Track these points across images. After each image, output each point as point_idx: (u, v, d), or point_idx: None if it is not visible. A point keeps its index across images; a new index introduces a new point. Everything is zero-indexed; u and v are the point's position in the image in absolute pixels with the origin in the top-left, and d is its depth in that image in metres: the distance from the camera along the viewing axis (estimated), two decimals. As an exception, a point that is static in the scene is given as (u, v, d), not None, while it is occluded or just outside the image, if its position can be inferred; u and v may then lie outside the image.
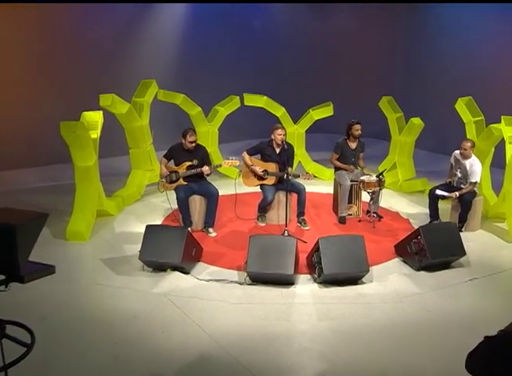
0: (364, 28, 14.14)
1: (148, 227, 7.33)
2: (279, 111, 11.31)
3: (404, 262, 7.62)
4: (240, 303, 6.55)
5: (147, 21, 12.27)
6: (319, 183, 11.21)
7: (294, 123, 11.50)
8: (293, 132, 11.43)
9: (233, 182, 9.02)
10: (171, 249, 7.07)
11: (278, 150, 8.80)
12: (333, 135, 12.84)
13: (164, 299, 6.65)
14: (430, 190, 8.80)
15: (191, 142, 8.49)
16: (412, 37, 13.38)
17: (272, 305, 6.50)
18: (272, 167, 8.77)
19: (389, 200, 10.11)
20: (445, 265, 7.42)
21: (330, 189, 9.97)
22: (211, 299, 6.64)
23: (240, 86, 11.88)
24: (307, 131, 11.69)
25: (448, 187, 8.75)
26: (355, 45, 14.18)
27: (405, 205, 10.14)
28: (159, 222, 9.11)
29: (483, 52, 11.61)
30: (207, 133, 11.40)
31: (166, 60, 12.59)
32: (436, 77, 12.68)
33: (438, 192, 8.57)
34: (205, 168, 8.50)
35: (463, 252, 7.32)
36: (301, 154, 11.54)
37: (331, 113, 11.30)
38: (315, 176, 11.32)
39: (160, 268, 7.28)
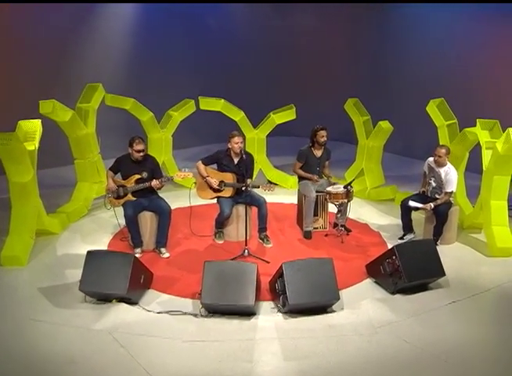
0: (327, 27, 13.44)
1: (89, 253, 6.48)
2: (238, 115, 10.51)
3: (377, 283, 6.90)
4: (194, 341, 5.73)
5: (94, 21, 11.41)
6: (282, 192, 10.46)
7: (254, 127, 10.70)
8: (253, 137, 10.64)
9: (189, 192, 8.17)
10: (116, 278, 6.24)
11: (236, 160, 8.00)
12: (296, 138, 12.17)
13: (107, 337, 5.80)
14: (403, 201, 8.10)
15: (139, 152, 7.63)
16: (377, 36, 12.73)
17: (230, 342, 5.70)
18: (229, 177, 7.97)
19: (357, 209, 9.40)
20: (423, 287, 6.71)
21: (294, 199, 9.21)
22: (161, 336, 5.81)
23: (196, 89, 11.10)
24: (268, 135, 10.89)
25: (422, 198, 8.07)
26: (318, 44, 13.47)
27: (375, 215, 9.44)
28: (107, 241, 8.32)
29: (454, 51, 11.05)
30: (159, 140, 10.55)
31: (114, 62, 11.73)
32: (404, 78, 12.08)
33: (411, 203, 7.87)
34: (154, 183, 7.66)
35: (442, 273, 6.64)
36: (261, 161, 10.77)
37: (293, 117, 10.54)
38: (276, 184, 10.59)
39: (104, 298, 6.42)
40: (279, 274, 6.12)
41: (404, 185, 10.62)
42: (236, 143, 7.84)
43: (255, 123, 10.76)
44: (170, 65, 12.29)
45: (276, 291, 6.20)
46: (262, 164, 10.79)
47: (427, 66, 11.45)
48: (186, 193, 8.33)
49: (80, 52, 11.15)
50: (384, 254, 6.74)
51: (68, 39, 10.90)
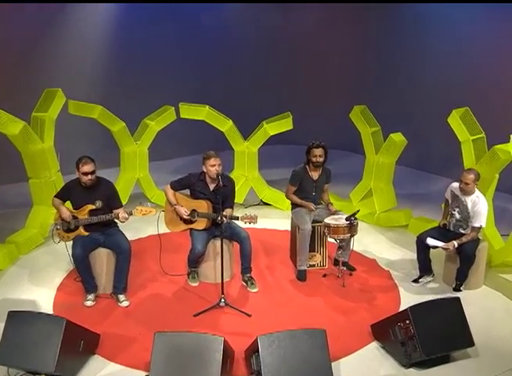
0: (332, 27, 11.69)
1: (11, 315, 5.01)
2: (225, 125, 9.00)
3: (385, 349, 5.39)
4: None
5: (61, 21, 9.88)
6: (277, 215, 9.00)
7: (245, 139, 9.19)
8: (244, 151, 9.15)
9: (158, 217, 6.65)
10: (43, 350, 4.79)
11: (212, 186, 6.52)
12: (296, 146, 10.65)
13: None
14: (419, 237, 6.58)
15: (86, 174, 6.15)
16: (389, 37, 10.95)
17: None
18: (204, 205, 6.49)
19: (363, 239, 7.85)
20: (444, 358, 5.19)
21: (289, 225, 7.67)
22: None
23: (178, 94, 9.58)
24: (263, 144, 9.35)
25: (443, 233, 6.54)
26: (320, 45, 11.70)
27: (385, 247, 7.92)
28: (59, 281, 6.90)
29: (480, 53, 9.36)
30: (133, 154, 9.07)
31: (82, 66, 10.19)
32: (420, 83, 10.40)
33: (430, 242, 6.34)
34: (123, 215, 6.21)
35: (469, 343, 5.11)
36: (253, 178, 9.28)
37: (290, 127, 9.04)
38: (269, 204, 9.30)
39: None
40: (255, 348, 4.63)
41: (419, 206, 9.16)
42: (212, 166, 6.36)
43: (245, 134, 9.24)
44: (147, 67, 10.73)
45: (251, 368, 4.72)
46: (254, 181, 9.30)
47: (448, 70, 9.79)
48: (161, 217, 6.81)
49: (41, 54, 9.67)
50: (395, 317, 5.23)
51: (28, 40, 9.42)
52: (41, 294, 6.57)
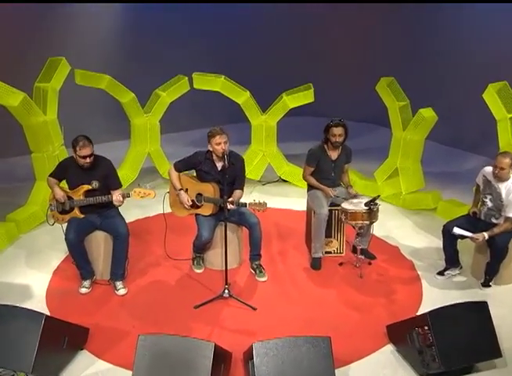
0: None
1: (-11, 309, 4.58)
2: (242, 97, 8.40)
3: (400, 353, 4.83)
4: None
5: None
6: (295, 193, 8.43)
7: (263, 112, 8.59)
8: (261, 125, 8.56)
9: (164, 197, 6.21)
10: (20, 347, 4.35)
11: (220, 166, 5.95)
12: (319, 119, 10.04)
13: None
14: (445, 226, 5.95)
15: (84, 158, 5.68)
16: (423, 7, 10.12)
17: None
18: (210, 189, 5.93)
19: (386, 222, 7.27)
20: (467, 368, 4.62)
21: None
22: None
23: (192, 64, 8.93)
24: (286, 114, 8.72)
25: (472, 222, 5.90)
26: (344, 10, 10.91)
27: (410, 232, 7.29)
28: (55, 264, 6.49)
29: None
30: (143, 127, 8.52)
31: (91, 34, 9.65)
32: (453, 53, 9.56)
33: (457, 231, 5.70)
34: (117, 197, 5.75)
35: (496, 354, 4.51)
36: (271, 154, 8.69)
37: (311, 100, 8.40)
38: (284, 181, 8.83)
39: (10, 369, 4.56)
40: (250, 355, 4.12)
41: (449, 187, 8.51)
42: (217, 144, 5.79)
43: (264, 106, 8.63)
44: (160, 35, 10.09)
45: (248, 375, 4.23)
46: (272, 157, 8.72)
47: (485, 40, 8.96)
48: (167, 196, 6.30)
49: (50, 23, 9.14)
50: (413, 320, 4.66)
51: (37, 9, 8.86)
52: (36, 278, 6.19)
